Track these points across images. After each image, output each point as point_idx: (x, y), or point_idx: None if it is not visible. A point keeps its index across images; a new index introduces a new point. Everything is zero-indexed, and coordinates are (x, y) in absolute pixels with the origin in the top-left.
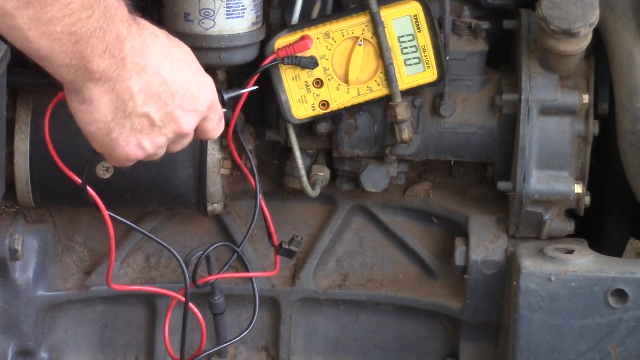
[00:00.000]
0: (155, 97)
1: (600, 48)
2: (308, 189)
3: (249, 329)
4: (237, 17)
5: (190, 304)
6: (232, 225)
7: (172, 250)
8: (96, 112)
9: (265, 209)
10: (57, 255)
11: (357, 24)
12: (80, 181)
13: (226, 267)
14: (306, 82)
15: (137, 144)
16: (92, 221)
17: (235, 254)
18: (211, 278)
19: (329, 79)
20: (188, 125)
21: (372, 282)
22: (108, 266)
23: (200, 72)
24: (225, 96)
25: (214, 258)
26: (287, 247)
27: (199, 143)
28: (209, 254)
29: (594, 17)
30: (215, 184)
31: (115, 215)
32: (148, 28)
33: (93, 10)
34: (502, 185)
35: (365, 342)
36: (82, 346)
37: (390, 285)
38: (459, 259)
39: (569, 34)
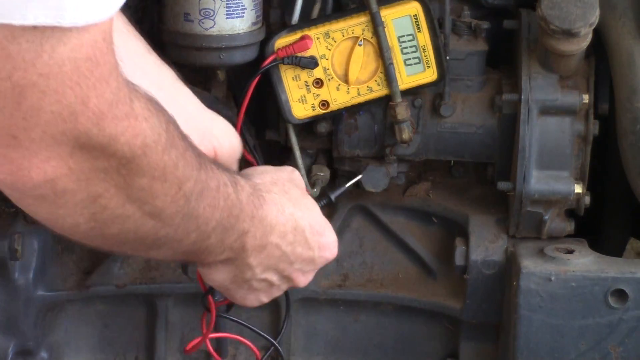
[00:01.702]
0: (273, 267)
1: (600, 48)
2: (308, 188)
3: (281, 335)
4: (237, 17)
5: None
6: None
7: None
8: (215, 276)
9: None
10: (57, 255)
11: (357, 24)
12: None
13: None
14: (306, 82)
15: (255, 298)
16: None
17: None
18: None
19: (329, 79)
20: (305, 282)
21: (372, 282)
22: None
23: (324, 234)
24: (332, 196)
25: None
26: None
27: None
28: None
29: (594, 17)
30: None
31: None
32: (272, 203)
33: (213, 234)
34: (502, 185)
35: (365, 342)
36: (82, 346)
37: (390, 285)
38: (459, 259)
39: (569, 34)
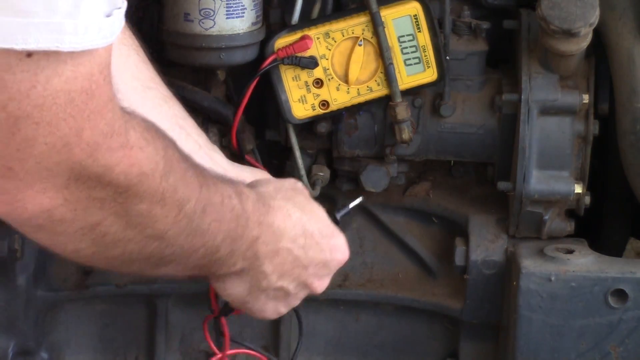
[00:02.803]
0: (288, 273)
1: (600, 48)
2: (308, 188)
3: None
4: (237, 17)
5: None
6: None
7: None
8: (231, 290)
9: None
10: (57, 255)
11: (357, 24)
12: None
13: None
14: (306, 82)
15: (273, 309)
16: None
17: None
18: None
19: (329, 79)
20: (322, 287)
21: (372, 282)
22: None
23: (333, 236)
24: (338, 216)
25: None
26: None
27: None
28: None
29: (594, 17)
30: None
31: None
32: (279, 210)
33: (222, 246)
34: (502, 185)
35: (365, 342)
36: (82, 346)
37: (390, 285)
38: (459, 259)
39: (569, 34)
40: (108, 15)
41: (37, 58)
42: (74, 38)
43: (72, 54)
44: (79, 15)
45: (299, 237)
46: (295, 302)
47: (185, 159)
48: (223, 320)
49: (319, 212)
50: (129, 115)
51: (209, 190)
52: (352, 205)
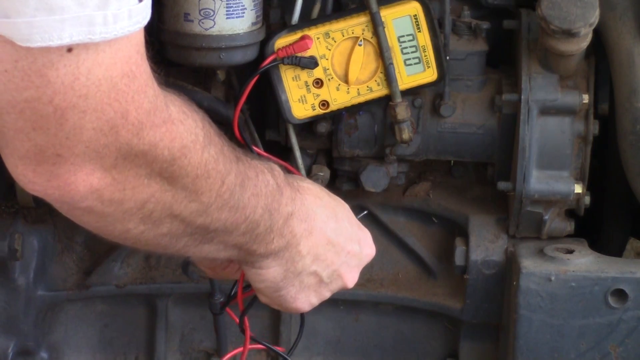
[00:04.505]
0: (322, 257)
1: (600, 48)
2: None
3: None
4: (237, 17)
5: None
6: None
7: None
8: (266, 275)
9: None
10: (57, 255)
11: (357, 24)
12: None
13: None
14: (306, 82)
15: (306, 299)
16: None
17: None
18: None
19: (329, 79)
20: (352, 280)
21: (372, 282)
22: None
23: (360, 228)
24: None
25: None
26: None
27: None
28: None
29: (594, 17)
30: None
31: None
32: (309, 191)
33: (262, 221)
34: (502, 185)
35: (365, 342)
36: (82, 346)
37: (390, 285)
38: (459, 259)
39: (569, 34)
40: (140, 0)
41: (77, 52)
42: (104, 29)
43: (109, 42)
44: (108, 5)
45: (330, 220)
46: (327, 293)
47: (221, 134)
48: (246, 321)
49: (343, 202)
50: (166, 90)
51: (244, 164)
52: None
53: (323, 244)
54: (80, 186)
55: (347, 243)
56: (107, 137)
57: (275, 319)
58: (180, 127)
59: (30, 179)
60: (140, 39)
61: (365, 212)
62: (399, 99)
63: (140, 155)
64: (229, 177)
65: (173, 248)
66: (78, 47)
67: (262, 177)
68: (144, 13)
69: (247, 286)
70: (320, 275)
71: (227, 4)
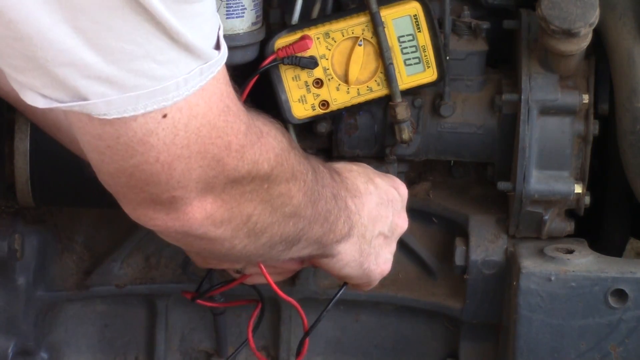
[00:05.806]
0: (377, 217)
1: (600, 48)
2: None
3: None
4: (237, 17)
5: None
6: None
7: None
8: (346, 258)
9: None
10: (57, 255)
11: (357, 24)
12: None
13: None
14: (306, 82)
15: (384, 260)
16: (92, 221)
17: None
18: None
19: (329, 79)
20: (405, 221)
21: None
22: None
23: (387, 176)
24: None
25: None
26: None
27: None
28: None
29: (594, 17)
30: None
31: None
32: (340, 167)
33: (332, 209)
34: (502, 185)
35: (365, 342)
36: (82, 346)
37: (390, 285)
38: (459, 259)
39: (569, 34)
40: (216, 48)
41: (172, 115)
42: (176, 93)
43: (199, 92)
44: (179, 72)
45: (368, 184)
46: (394, 244)
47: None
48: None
49: (362, 164)
50: (244, 105)
51: (307, 159)
52: None
53: (374, 205)
54: (197, 214)
55: (388, 194)
56: (215, 169)
57: (275, 319)
58: (270, 138)
59: (151, 217)
60: (224, 71)
61: None
62: (399, 99)
63: (245, 175)
64: (308, 175)
65: (268, 255)
66: (172, 111)
67: (320, 169)
68: (219, 58)
69: (222, 282)
70: (384, 233)
71: (227, 4)
